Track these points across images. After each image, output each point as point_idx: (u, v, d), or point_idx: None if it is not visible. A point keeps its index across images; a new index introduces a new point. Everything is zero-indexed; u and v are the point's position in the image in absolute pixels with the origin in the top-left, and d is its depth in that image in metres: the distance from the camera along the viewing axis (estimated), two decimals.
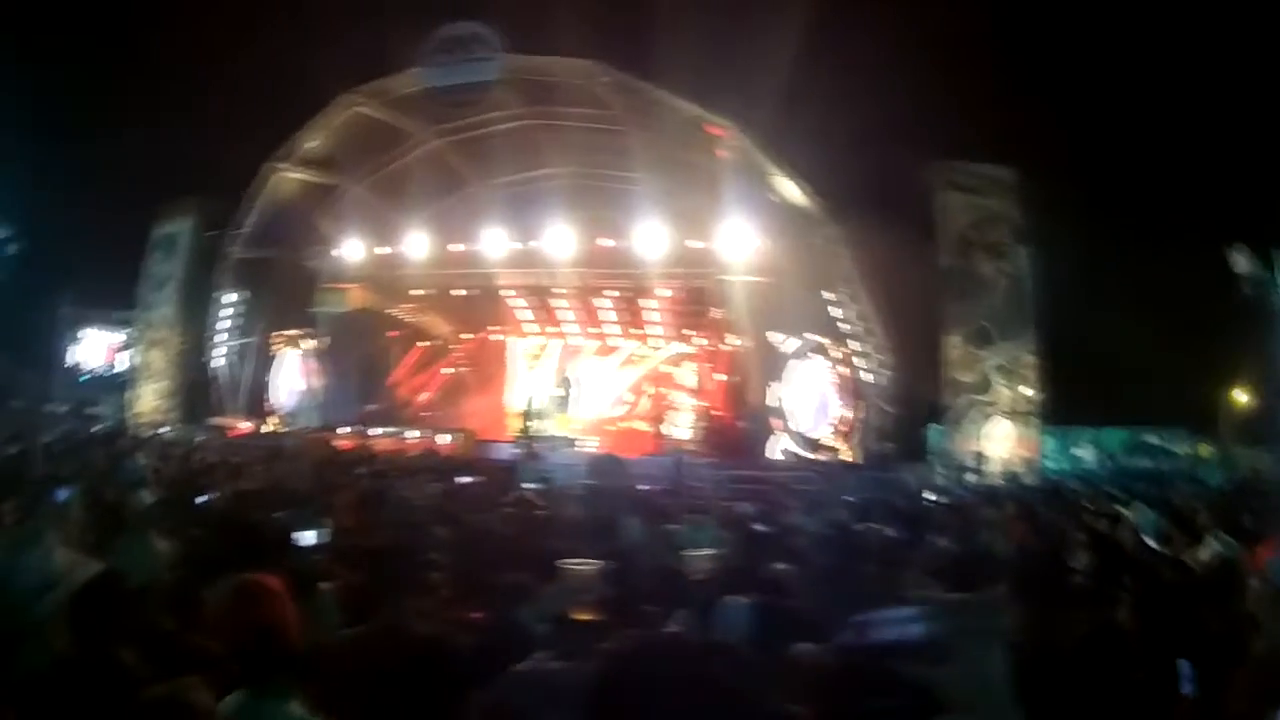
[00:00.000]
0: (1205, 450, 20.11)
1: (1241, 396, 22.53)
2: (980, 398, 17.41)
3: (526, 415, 14.80)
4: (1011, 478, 17.16)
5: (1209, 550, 4.85)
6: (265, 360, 20.31)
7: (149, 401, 21.53)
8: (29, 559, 2.25)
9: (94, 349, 25.48)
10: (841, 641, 2.56)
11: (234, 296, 20.16)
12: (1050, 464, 18.87)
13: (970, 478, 16.81)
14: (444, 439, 16.21)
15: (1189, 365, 20.53)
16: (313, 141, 18.37)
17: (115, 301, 23.98)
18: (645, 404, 18.37)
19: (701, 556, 4.21)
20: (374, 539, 4.55)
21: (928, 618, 3.01)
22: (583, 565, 3.02)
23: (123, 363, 24.20)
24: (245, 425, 19.56)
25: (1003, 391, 17.63)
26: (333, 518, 5.33)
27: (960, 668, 2.57)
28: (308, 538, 4.08)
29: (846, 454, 16.66)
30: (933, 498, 12.59)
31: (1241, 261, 19.28)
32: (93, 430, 19.35)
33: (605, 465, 6.67)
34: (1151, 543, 6.44)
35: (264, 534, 4.27)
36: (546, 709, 2.20)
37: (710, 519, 6.58)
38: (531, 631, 2.84)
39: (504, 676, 2.53)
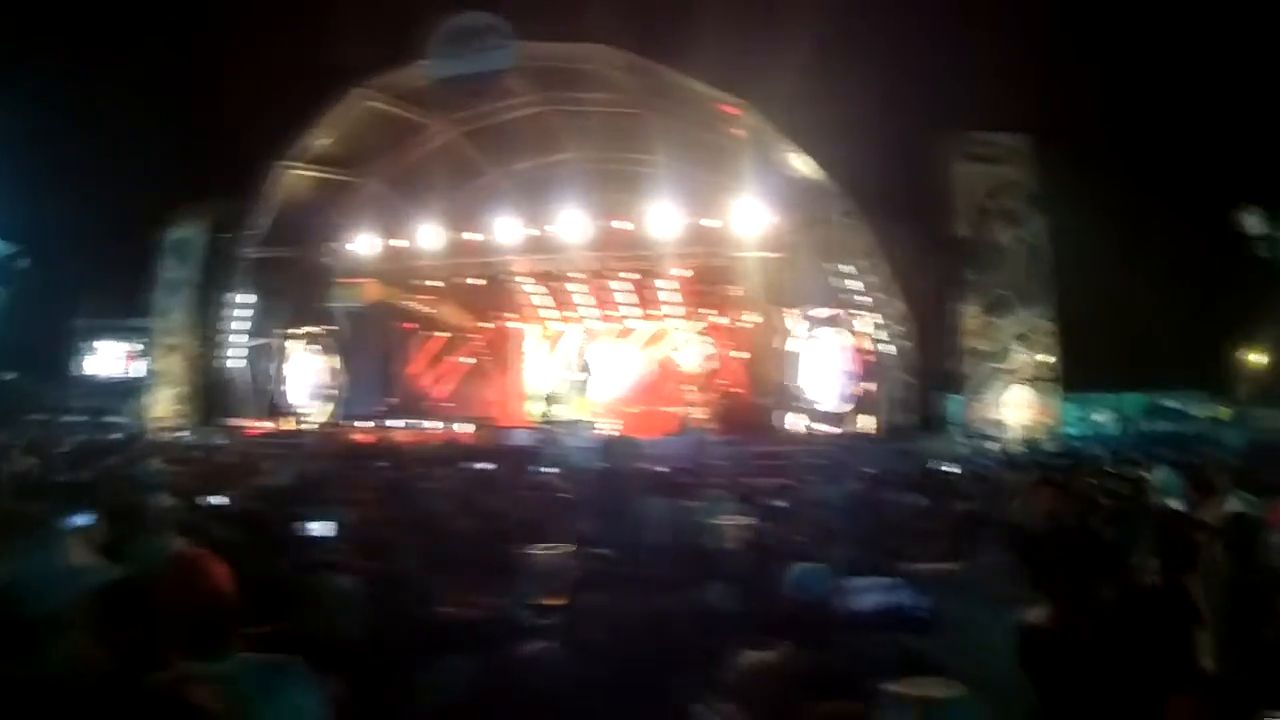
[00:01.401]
0: (1223, 412, 20.09)
1: (1257, 358, 22.50)
2: (999, 366, 17.43)
3: (546, 401, 14.80)
4: (1033, 445, 17.20)
5: (1229, 507, 4.86)
6: (281, 359, 20.34)
7: (165, 406, 21.59)
8: (44, 560, 2.24)
9: (109, 358, 25.53)
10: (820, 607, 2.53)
11: (248, 297, 20.18)
12: (1071, 430, 18.89)
13: (991, 446, 16.85)
14: (464, 428, 16.22)
15: (1205, 328, 20.54)
16: (324, 138, 18.38)
17: (129, 310, 24.01)
18: (663, 385, 18.38)
19: (728, 528, 4.18)
20: (395, 529, 4.57)
21: (918, 587, 3.00)
22: (551, 551, 3.02)
23: (139, 369, 24.23)
24: (263, 425, 19.60)
25: (1021, 359, 17.64)
26: (354, 511, 5.32)
27: (956, 637, 2.52)
28: (322, 529, 4.06)
29: (865, 427, 16.65)
30: (954, 468, 12.62)
31: (1254, 222, 19.27)
32: (110, 437, 19.38)
33: (618, 447, 6.71)
34: (1174, 504, 6.48)
35: (278, 528, 4.27)
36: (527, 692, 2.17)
37: (729, 495, 6.56)
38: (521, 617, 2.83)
39: (492, 659, 2.52)
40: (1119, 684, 2.47)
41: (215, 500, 6.20)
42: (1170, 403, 20.29)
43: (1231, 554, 3.52)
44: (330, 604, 2.72)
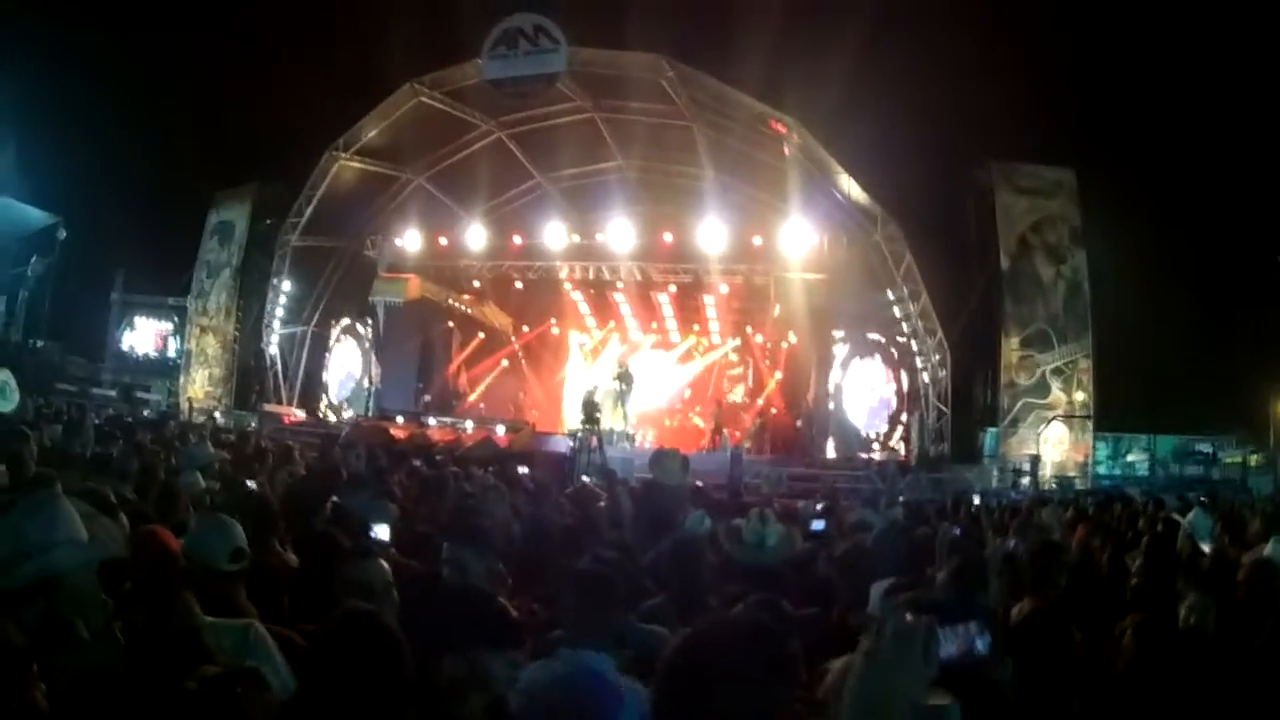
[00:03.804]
0: (1254, 459, 19.93)
1: None
2: (1036, 401, 17.42)
3: (585, 408, 14.87)
4: (1064, 481, 17.19)
5: (1266, 552, 4.96)
6: (321, 348, 20.49)
7: (200, 387, 21.81)
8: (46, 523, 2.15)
9: (144, 335, 25.78)
10: None
11: (289, 284, 20.33)
12: (1102, 469, 18.84)
13: (1025, 481, 16.83)
14: (501, 430, 16.31)
15: (1241, 373, 20.37)
16: (375, 130, 18.53)
17: (167, 288, 24.25)
18: (701, 400, 18.44)
19: (775, 545, 4.21)
20: (434, 526, 4.56)
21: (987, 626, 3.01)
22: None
23: (173, 349, 24.47)
24: (299, 413, 19.76)
25: (1059, 395, 17.63)
26: (392, 503, 5.34)
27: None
28: (379, 530, 4.07)
29: (901, 454, 16.66)
30: (986, 500, 12.62)
31: None
32: (143, 414, 19.56)
33: (666, 460, 6.70)
34: (1206, 548, 6.54)
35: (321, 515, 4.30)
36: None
37: (773, 513, 6.59)
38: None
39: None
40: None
41: (249, 484, 6.19)
42: (1204, 446, 20.17)
43: (1257, 599, 3.62)
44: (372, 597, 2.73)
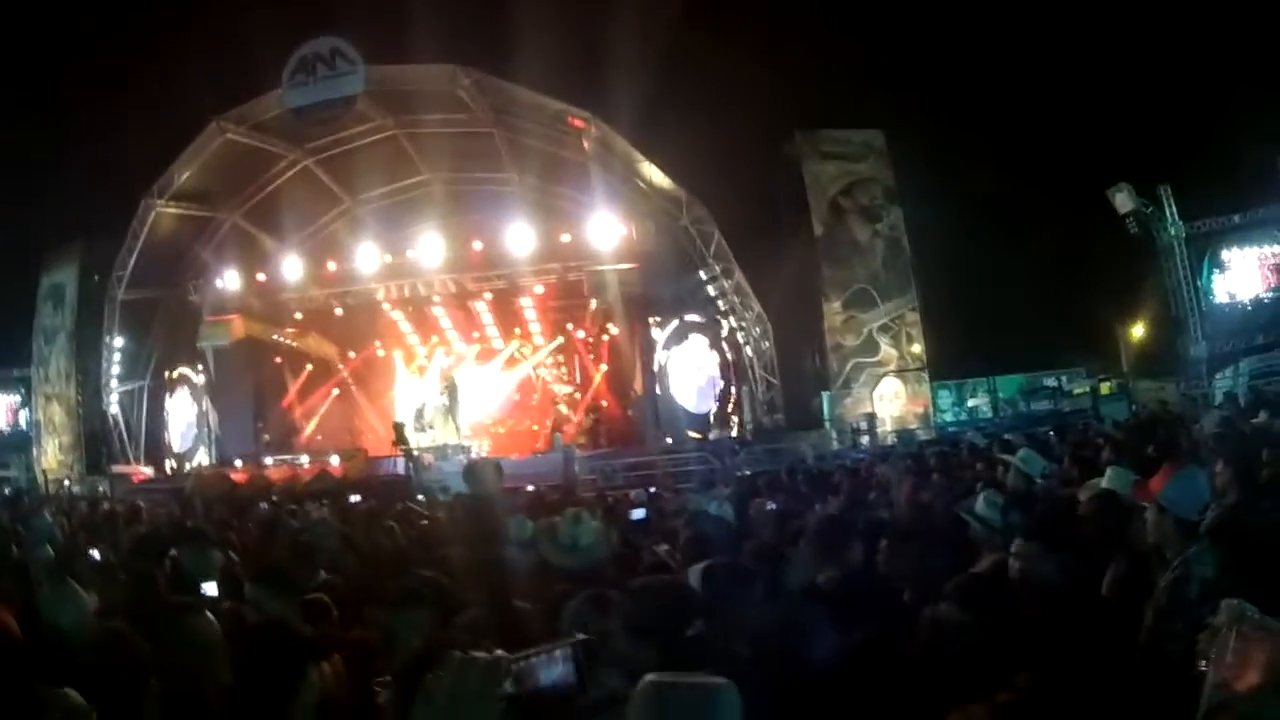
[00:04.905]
0: (1105, 387, 20.33)
1: (1139, 331, 22.86)
2: (866, 360, 17.68)
3: (401, 430, 14.76)
4: (906, 435, 17.43)
5: (1099, 485, 4.61)
6: (159, 401, 20.07)
7: (53, 456, 21.23)
8: None
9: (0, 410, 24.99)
10: None
11: (122, 340, 19.86)
12: (948, 417, 19.18)
13: (865, 440, 17.06)
14: (336, 460, 16.12)
15: (1083, 305, 20.93)
16: (187, 173, 18.19)
17: (10, 359, 23.52)
18: (531, 403, 18.42)
19: (588, 545, 4.19)
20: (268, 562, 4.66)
21: None
22: None
23: (24, 420, 23.77)
24: (147, 470, 19.34)
25: (889, 351, 17.91)
26: (230, 550, 5.37)
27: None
28: (207, 589, 4.14)
29: (736, 430, 16.80)
30: (824, 464, 12.74)
31: (1124, 200, 19.72)
32: (1, 492, 19.02)
33: (479, 470, 6.64)
34: (1039, 484, 6.29)
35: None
36: None
37: (591, 510, 6.58)
38: None
39: None
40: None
41: (95, 553, 6.19)
42: (1050, 381, 20.55)
43: (1098, 533, 3.33)
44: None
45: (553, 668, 1.16)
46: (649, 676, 1.44)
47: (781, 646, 2.41)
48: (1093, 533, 3.36)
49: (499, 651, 1.11)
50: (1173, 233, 20.23)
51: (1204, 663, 1.38)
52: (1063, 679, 2.07)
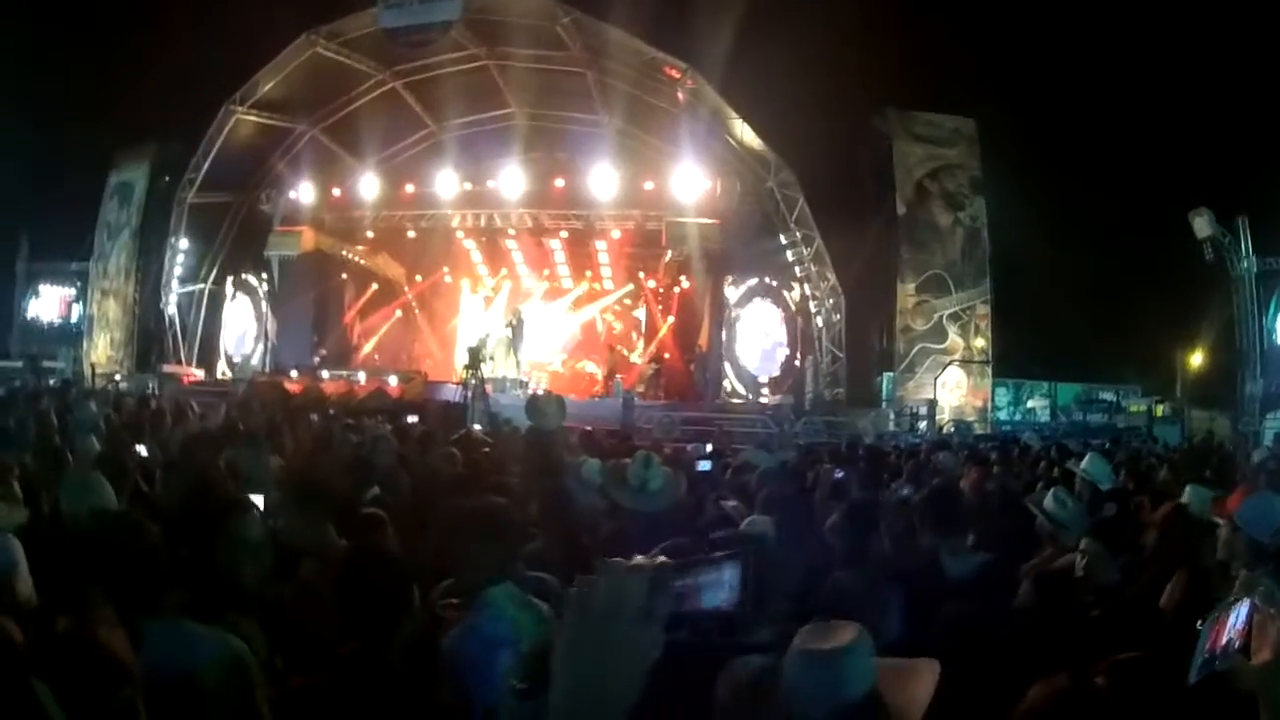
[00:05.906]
0: (1159, 409, 20.11)
1: (1198, 359, 22.54)
2: (933, 345, 17.48)
3: (476, 356, 14.65)
4: (963, 426, 17.25)
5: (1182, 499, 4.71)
6: (217, 306, 20.11)
7: (103, 351, 21.32)
8: None
9: (50, 303, 25.09)
10: None
11: (187, 243, 19.89)
12: (1003, 415, 18.99)
13: (922, 425, 16.88)
14: (393, 381, 16.07)
15: (1147, 325, 20.63)
16: (271, 83, 18.13)
17: (71, 253, 23.62)
18: (594, 346, 18.31)
19: (658, 489, 4.12)
20: (323, 477, 4.45)
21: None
22: None
23: (76, 314, 23.89)
24: (198, 372, 19.37)
25: (956, 340, 17.70)
26: (282, 459, 5.27)
27: None
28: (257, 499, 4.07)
29: (794, 398, 16.64)
30: (880, 444, 12.59)
31: (1203, 225, 19.38)
32: (48, 383, 19.13)
33: (542, 404, 6.51)
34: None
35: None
36: None
37: (657, 456, 6.47)
38: None
39: None
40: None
41: (141, 449, 6.12)
42: (1107, 395, 20.35)
43: (1166, 543, 3.38)
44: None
45: (719, 588, 1.00)
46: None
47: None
48: (1160, 542, 3.42)
49: (661, 559, 0.94)
50: (1245, 265, 19.85)
51: (1201, 622, 1.50)
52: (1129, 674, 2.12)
